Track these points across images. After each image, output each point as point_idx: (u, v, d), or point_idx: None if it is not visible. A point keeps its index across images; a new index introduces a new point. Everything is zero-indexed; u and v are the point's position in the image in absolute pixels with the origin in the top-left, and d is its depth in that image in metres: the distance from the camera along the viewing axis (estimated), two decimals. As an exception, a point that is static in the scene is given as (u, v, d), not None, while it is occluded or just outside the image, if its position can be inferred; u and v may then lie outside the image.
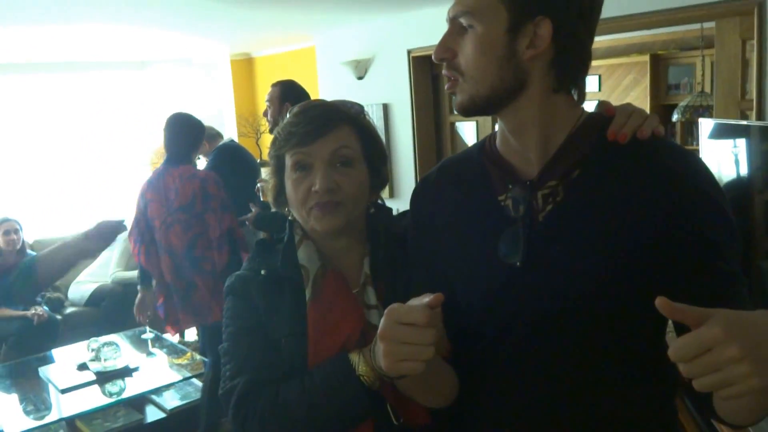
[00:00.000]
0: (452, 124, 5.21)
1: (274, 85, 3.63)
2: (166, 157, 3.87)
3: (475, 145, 1.32)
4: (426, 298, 1.00)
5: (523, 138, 1.15)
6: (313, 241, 1.36)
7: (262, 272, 1.35)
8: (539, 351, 1.14)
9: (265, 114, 3.65)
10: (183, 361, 4.23)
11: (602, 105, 1.21)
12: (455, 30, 1.11)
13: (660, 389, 1.17)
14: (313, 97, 4.08)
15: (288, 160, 1.32)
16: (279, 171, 1.36)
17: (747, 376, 0.76)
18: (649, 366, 1.15)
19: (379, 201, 1.44)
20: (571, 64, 1.11)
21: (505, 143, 1.19)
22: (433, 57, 1.14)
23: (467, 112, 1.14)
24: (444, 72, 1.14)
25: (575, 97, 1.15)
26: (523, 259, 1.12)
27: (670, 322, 1.12)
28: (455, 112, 5.13)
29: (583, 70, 1.14)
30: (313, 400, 1.20)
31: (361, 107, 1.41)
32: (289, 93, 3.53)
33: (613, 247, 1.07)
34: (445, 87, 1.16)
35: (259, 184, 3.69)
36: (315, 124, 1.29)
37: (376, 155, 1.37)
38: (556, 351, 1.13)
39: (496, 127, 1.23)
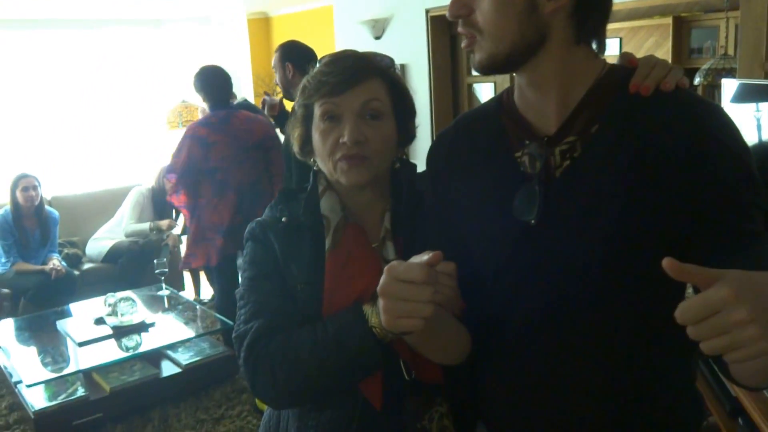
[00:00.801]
0: (470, 86, 5.16)
1: (276, 50, 3.60)
2: (212, 104, 4.10)
3: (491, 99, 1.29)
4: (425, 256, 0.99)
5: (542, 93, 1.12)
6: (336, 192, 1.35)
7: (283, 219, 1.35)
8: (554, 310, 1.11)
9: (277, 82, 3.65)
10: (198, 318, 4.28)
11: (624, 56, 1.17)
12: None
13: (678, 354, 1.15)
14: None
15: (317, 110, 1.30)
16: (306, 120, 1.34)
17: (755, 339, 0.73)
18: (667, 330, 1.11)
19: (404, 157, 1.42)
20: (592, 13, 1.07)
21: (523, 98, 1.16)
22: (447, 14, 1.09)
23: (486, 70, 1.10)
24: (460, 29, 1.10)
25: (595, 48, 1.11)
26: (538, 217, 1.09)
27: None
28: (473, 73, 5.08)
29: (604, 19, 1.09)
30: (324, 347, 1.20)
31: (391, 60, 1.39)
32: (289, 53, 3.51)
33: (630, 205, 1.04)
34: (462, 45, 1.12)
35: (266, 97, 3.73)
36: (346, 75, 1.26)
37: (405, 110, 1.35)
38: (571, 311, 1.10)
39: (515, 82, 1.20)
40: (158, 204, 5.76)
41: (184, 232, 5.55)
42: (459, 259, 1.05)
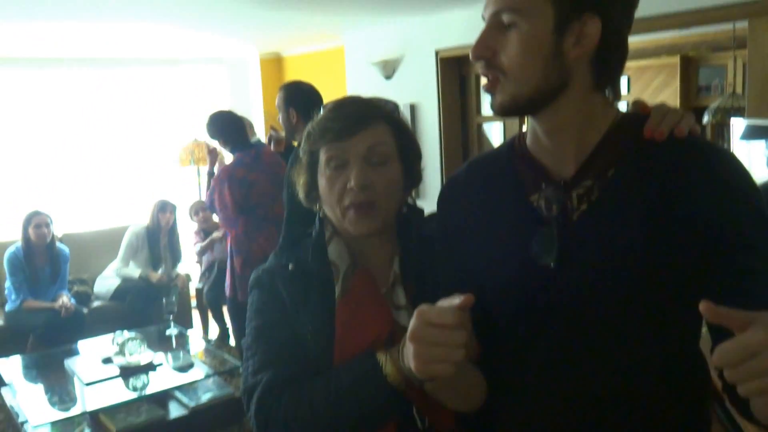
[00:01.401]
0: (479, 125, 5.18)
1: (279, 90, 3.62)
2: (233, 146, 4.28)
3: (503, 144, 1.30)
4: (456, 300, 0.98)
5: (558, 137, 1.12)
6: (343, 239, 1.34)
7: (290, 266, 1.34)
8: (572, 354, 1.11)
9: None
10: (205, 358, 4.25)
11: (637, 104, 1.18)
12: (495, 27, 1.07)
13: (694, 395, 1.15)
14: (339, 96, 4.10)
15: (322, 156, 1.30)
16: (311, 167, 1.33)
17: None
18: (684, 371, 1.13)
19: (410, 201, 1.42)
20: (612, 61, 1.09)
21: (537, 143, 1.16)
22: (471, 55, 1.09)
23: (507, 112, 1.10)
24: (482, 71, 1.10)
25: (610, 96, 1.13)
26: (556, 260, 1.09)
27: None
28: (482, 113, 5.10)
29: (622, 66, 1.12)
30: (337, 398, 1.18)
31: (395, 105, 1.40)
32: (293, 98, 3.51)
33: (648, 247, 1.04)
34: (483, 86, 1.13)
35: (272, 132, 3.76)
36: (351, 120, 1.27)
37: (410, 153, 1.35)
38: (589, 354, 1.10)
39: (524, 128, 1.21)
40: (153, 243, 5.76)
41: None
42: (474, 304, 1.03)
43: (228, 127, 4.32)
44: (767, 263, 1.03)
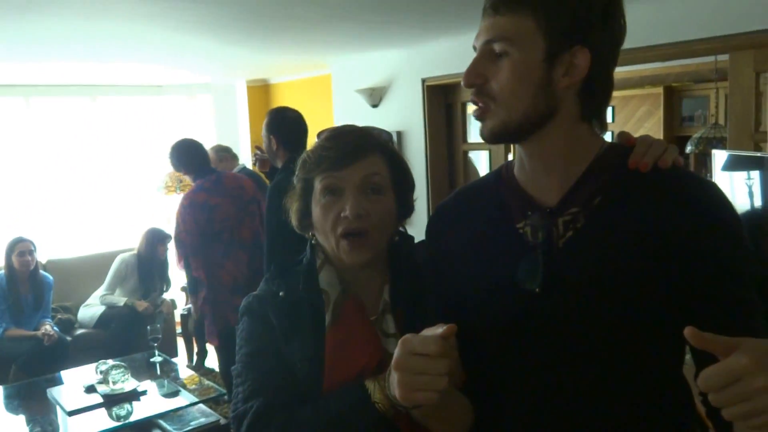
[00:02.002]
0: (465, 153, 5.21)
1: (266, 114, 3.64)
2: (195, 174, 4.28)
3: (490, 173, 1.33)
4: (439, 329, 1.01)
5: (544, 165, 1.16)
6: (334, 267, 1.35)
7: (281, 294, 1.34)
8: (557, 378, 1.13)
9: None
10: (191, 385, 4.22)
11: (622, 135, 1.22)
12: (486, 55, 1.10)
13: (678, 421, 1.16)
14: (325, 124, 4.13)
15: (317, 184, 1.31)
16: (305, 194, 1.35)
17: None
18: (668, 397, 1.15)
19: (402, 229, 1.43)
20: (598, 93, 1.13)
21: (524, 172, 1.20)
22: (463, 82, 1.13)
23: (496, 138, 1.14)
24: (472, 98, 1.14)
25: (597, 128, 1.17)
26: (541, 286, 1.11)
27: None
28: (468, 141, 5.14)
29: (608, 98, 1.15)
30: (326, 426, 1.19)
31: (389, 135, 1.42)
32: (273, 126, 3.52)
33: (632, 275, 1.07)
34: (473, 113, 1.15)
35: (257, 152, 3.77)
36: (347, 150, 1.29)
37: (404, 183, 1.37)
38: (574, 379, 1.12)
39: (510, 156, 1.23)
40: (145, 270, 5.73)
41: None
42: (460, 330, 1.06)
43: (189, 155, 4.32)
44: (749, 291, 1.07)
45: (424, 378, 1.00)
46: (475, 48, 1.13)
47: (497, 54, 1.09)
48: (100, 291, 5.70)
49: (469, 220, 1.26)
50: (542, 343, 1.13)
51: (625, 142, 1.19)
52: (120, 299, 5.58)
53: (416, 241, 1.43)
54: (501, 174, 1.26)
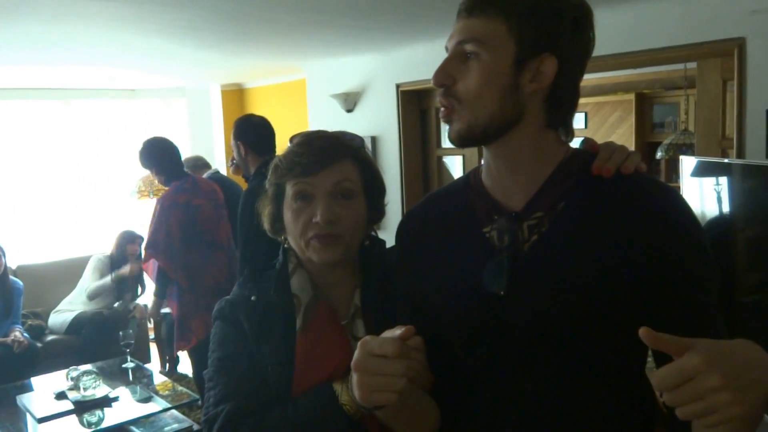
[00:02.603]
0: (439, 158, 5.24)
1: (233, 125, 3.67)
2: (168, 175, 4.14)
3: (459, 179, 1.35)
4: (398, 331, 1.03)
5: (511, 170, 1.18)
6: (306, 271, 1.36)
7: (253, 298, 1.35)
8: (522, 380, 1.15)
9: None
10: (164, 391, 4.18)
11: (587, 142, 1.24)
12: (457, 56, 1.12)
13: (641, 419, 1.19)
14: (300, 128, 4.12)
15: (289, 189, 1.32)
16: (277, 199, 1.36)
17: (728, 404, 0.79)
18: (630, 398, 1.17)
19: (373, 233, 1.44)
20: (564, 102, 1.15)
21: (491, 177, 1.22)
22: (432, 82, 1.14)
23: (463, 141, 1.15)
24: (440, 99, 1.15)
25: (563, 135, 1.19)
26: (506, 289, 1.13)
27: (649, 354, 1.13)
28: (442, 146, 5.17)
29: (574, 108, 1.18)
30: (295, 427, 1.20)
31: (361, 140, 1.43)
32: (241, 133, 3.55)
33: (595, 278, 1.09)
34: (440, 115, 1.17)
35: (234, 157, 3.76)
36: (319, 156, 1.30)
37: (375, 189, 1.39)
38: (539, 381, 1.14)
39: (482, 162, 1.25)
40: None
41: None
42: (428, 334, 1.09)
43: (161, 154, 4.13)
44: (709, 294, 1.10)
45: (382, 379, 1.01)
46: (447, 49, 1.15)
47: (467, 55, 1.11)
48: (73, 295, 5.63)
49: (438, 226, 1.28)
50: (507, 345, 1.15)
51: (589, 148, 1.21)
52: (106, 278, 5.56)
53: (388, 245, 1.45)
54: (469, 179, 1.29)
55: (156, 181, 6.11)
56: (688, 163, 2.99)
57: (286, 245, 1.38)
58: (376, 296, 1.35)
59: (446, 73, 1.12)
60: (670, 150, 4.57)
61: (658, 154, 4.84)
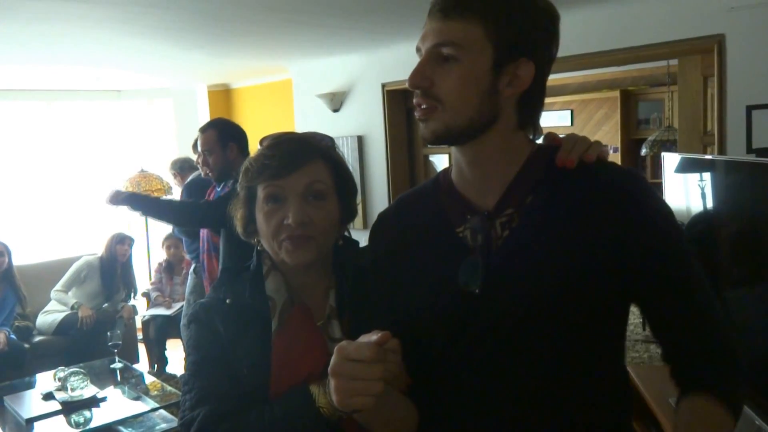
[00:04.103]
0: (426, 157, 5.27)
1: (208, 128, 3.71)
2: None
3: (429, 180, 1.36)
4: (374, 336, 1.03)
5: (482, 170, 1.20)
6: (281, 272, 1.36)
7: (228, 301, 1.35)
8: (501, 377, 1.16)
9: None
10: (152, 391, 4.18)
11: (549, 136, 1.27)
12: (433, 59, 1.13)
13: (618, 411, 1.21)
14: (286, 128, 4.14)
15: (260, 192, 1.32)
16: (249, 202, 1.36)
17: None
18: (608, 387, 1.19)
19: (346, 233, 1.45)
20: (536, 104, 1.18)
21: (462, 177, 1.23)
22: (408, 83, 1.15)
23: (438, 141, 1.16)
24: (417, 99, 1.15)
25: (531, 134, 1.22)
26: (481, 286, 1.15)
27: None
28: (428, 145, 5.18)
29: (542, 109, 1.21)
30: (271, 430, 1.20)
31: (331, 140, 1.43)
32: (232, 133, 3.64)
33: (567, 266, 1.11)
34: (416, 114, 1.17)
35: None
36: (289, 158, 1.30)
37: (346, 189, 1.38)
38: (516, 377, 1.15)
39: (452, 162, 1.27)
40: (107, 273, 5.69)
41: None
42: (404, 335, 1.09)
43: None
44: (684, 263, 1.14)
45: (359, 383, 1.02)
46: (418, 49, 1.16)
47: (445, 58, 1.11)
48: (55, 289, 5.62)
49: (410, 227, 1.29)
50: (484, 343, 1.16)
51: (552, 142, 1.24)
52: (70, 300, 5.51)
53: (362, 246, 1.46)
54: (439, 180, 1.30)
55: (143, 182, 6.13)
56: (670, 159, 3.01)
57: (259, 248, 1.38)
58: (350, 297, 1.35)
59: (424, 75, 1.13)
60: (654, 146, 4.60)
61: (643, 151, 4.88)
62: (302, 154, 1.31)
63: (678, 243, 1.14)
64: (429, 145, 1.27)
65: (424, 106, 1.15)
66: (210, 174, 3.66)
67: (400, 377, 1.13)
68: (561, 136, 1.26)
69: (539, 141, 1.25)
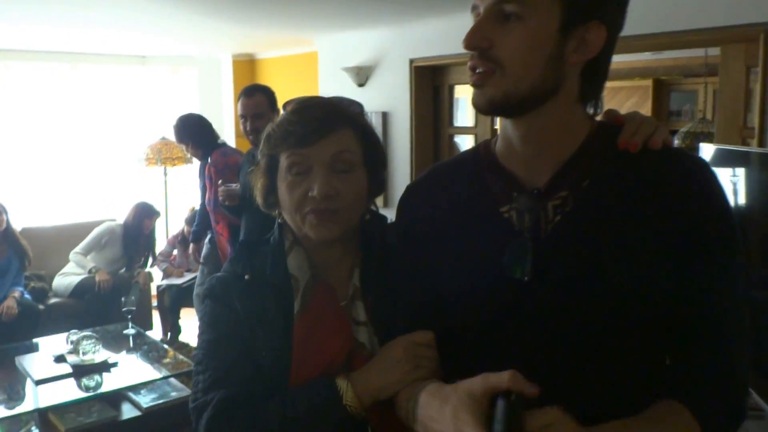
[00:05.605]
0: (451, 137, 5.17)
1: (255, 92, 3.75)
2: (205, 149, 4.44)
3: (467, 151, 1.25)
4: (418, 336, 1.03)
5: (535, 145, 1.09)
6: (303, 248, 1.27)
7: (246, 277, 1.26)
8: (546, 374, 1.03)
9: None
10: (164, 359, 4.17)
11: (609, 113, 1.16)
12: (493, 17, 1.01)
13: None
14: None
15: (283, 161, 1.23)
16: (271, 171, 1.27)
17: None
18: (657, 379, 1.09)
19: (374, 208, 1.36)
20: (601, 74, 1.07)
21: (510, 149, 1.12)
22: (464, 44, 1.03)
23: (494, 110, 1.05)
24: (473, 62, 1.03)
25: (592, 109, 1.11)
26: (530, 274, 1.05)
27: None
28: (454, 125, 5.09)
29: (604, 83, 1.10)
30: (293, 423, 1.13)
31: (360, 106, 1.34)
32: (273, 100, 3.71)
33: (625, 259, 1.02)
34: (471, 79, 1.05)
35: (221, 187, 3.69)
36: (315, 125, 1.20)
37: (376, 160, 1.29)
38: (564, 370, 1.05)
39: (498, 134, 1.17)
40: (130, 241, 5.68)
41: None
42: (436, 320, 1.03)
43: (200, 129, 4.44)
44: (737, 267, 1.05)
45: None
46: (475, 8, 1.04)
47: (506, 16, 1.00)
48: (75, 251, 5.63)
49: (445, 202, 1.18)
50: (530, 335, 1.06)
51: (613, 120, 1.13)
52: (88, 263, 5.51)
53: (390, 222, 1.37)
54: (479, 152, 1.19)
55: (164, 150, 6.11)
56: (706, 151, 2.91)
57: (280, 220, 1.30)
58: (376, 276, 1.27)
59: (482, 35, 1.01)
60: (687, 138, 4.47)
61: (675, 142, 4.76)
62: (329, 121, 1.21)
63: (733, 255, 1.05)
64: (483, 115, 1.15)
65: (480, 70, 1.03)
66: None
67: (436, 373, 1.07)
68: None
69: (598, 118, 1.15)
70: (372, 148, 1.28)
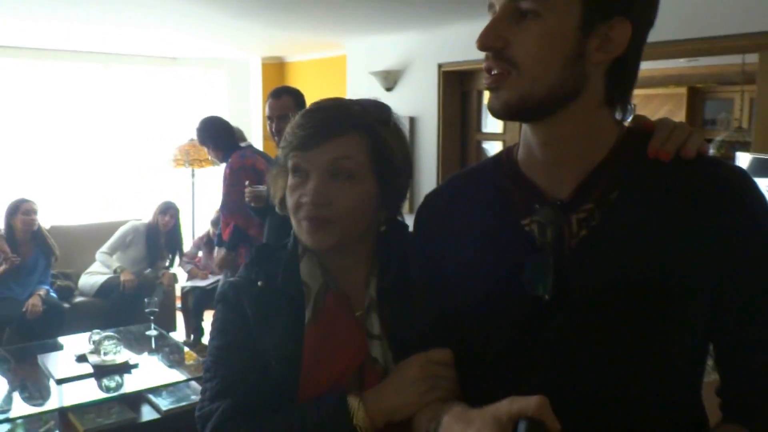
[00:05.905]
0: (479, 143, 5.10)
1: (283, 94, 3.70)
2: (226, 151, 4.40)
3: (488, 159, 1.18)
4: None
5: (558, 152, 1.02)
6: (315, 255, 1.23)
7: (259, 283, 1.23)
8: (568, 398, 0.96)
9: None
10: (187, 361, 4.15)
11: (638, 119, 1.07)
12: (509, 15, 0.94)
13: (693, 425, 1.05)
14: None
15: (289, 163, 1.20)
16: (284, 172, 1.24)
17: None
18: (687, 412, 1.03)
19: (398, 217, 1.30)
20: (629, 75, 1.00)
21: (532, 158, 1.05)
22: (477, 44, 0.96)
23: (511, 114, 0.98)
24: (488, 63, 0.97)
25: (620, 113, 1.03)
26: (552, 292, 0.98)
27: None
28: (482, 130, 5.02)
29: (633, 84, 1.02)
30: None
31: (382, 110, 1.26)
32: (301, 101, 3.62)
33: (655, 279, 0.94)
34: (486, 81, 0.99)
35: (250, 187, 3.69)
36: (317, 129, 1.15)
37: (388, 168, 1.21)
38: (586, 393, 0.98)
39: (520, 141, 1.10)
40: (152, 242, 5.69)
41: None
42: (453, 337, 0.97)
43: (219, 133, 4.45)
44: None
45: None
46: (491, 6, 0.98)
47: (523, 14, 0.93)
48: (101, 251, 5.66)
49: (464, 213, 1.12)
50: (551, 356, 0.99)
51: (642, 126, 1.05)
52: (114, 263, 5.53)
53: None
54: (501, 160, 1.12)
55: (191, 151, 6.13)
56: (743, 160, 2.82)
57: None
58: (394, 287, 1.21)
59: (497, 34, 0.94)
60: (723, 147, 4.35)
61: (710, 151, 4.65)
62: (333, 126, 1.16)
63: None
64: (500, 120, 1.08)
65: (495, 72, 0.96)
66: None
67: (454, 393, 1.03)
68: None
69: (627, 124, 1.06)
70: (383, 156, 1.20)
